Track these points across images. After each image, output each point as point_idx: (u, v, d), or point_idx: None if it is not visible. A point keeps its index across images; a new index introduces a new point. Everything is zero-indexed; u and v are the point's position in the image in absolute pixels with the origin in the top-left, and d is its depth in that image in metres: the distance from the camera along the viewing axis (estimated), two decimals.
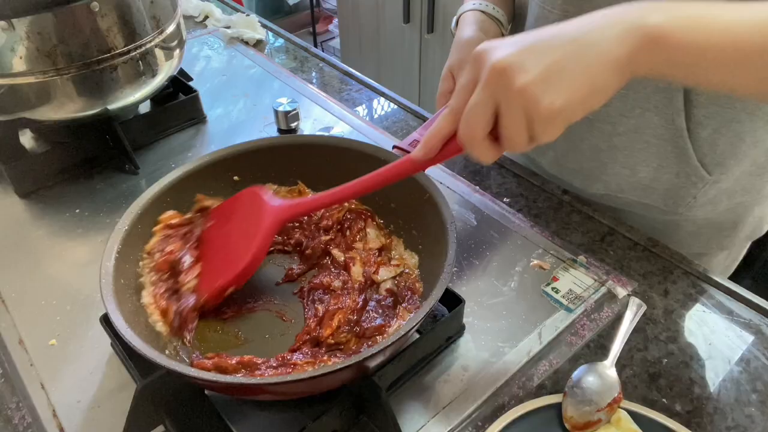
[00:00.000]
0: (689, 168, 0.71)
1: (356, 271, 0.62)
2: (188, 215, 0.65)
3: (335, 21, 3.11)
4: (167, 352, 0.54)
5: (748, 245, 0.87)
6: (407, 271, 0.63)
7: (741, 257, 0.88)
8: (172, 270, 0.60)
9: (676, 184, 0.73)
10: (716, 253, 0.82)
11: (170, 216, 0.63)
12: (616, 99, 0.70)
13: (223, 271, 0.59)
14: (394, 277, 0.62)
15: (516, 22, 0.82)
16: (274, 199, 0.61)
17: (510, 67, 0.42)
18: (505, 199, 0.78)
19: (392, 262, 0.64)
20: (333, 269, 0.64)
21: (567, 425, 0.52)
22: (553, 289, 0.65)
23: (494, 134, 0.45)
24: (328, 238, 0.66)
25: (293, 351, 0.56)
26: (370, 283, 0.61)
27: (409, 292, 0.60)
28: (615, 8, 0.44)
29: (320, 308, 0.59)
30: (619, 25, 0.43)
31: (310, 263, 0.65)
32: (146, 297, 0.58)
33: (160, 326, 0.56)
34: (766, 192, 0.76)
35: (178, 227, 0.64)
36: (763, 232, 0.84)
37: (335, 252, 0.65)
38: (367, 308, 0.59)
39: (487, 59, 0.43)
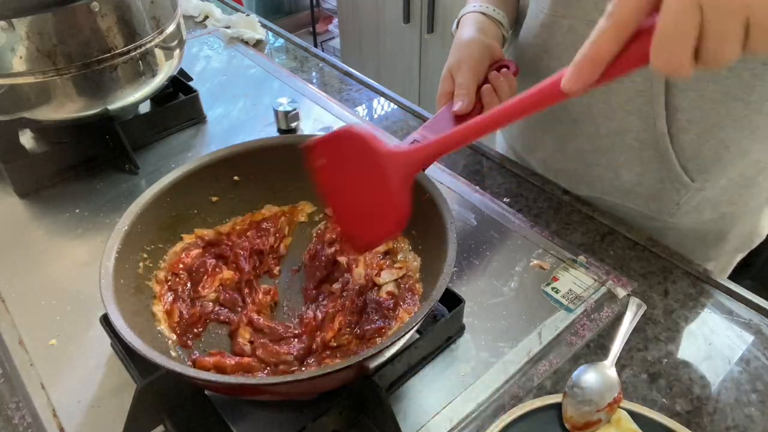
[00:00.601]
0: (672, 174, 0.71)
1: (358, 272, 0.62)
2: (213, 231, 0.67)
3: (335, 21, 3.11)
4: (172, 354, 0.54)
5: (738, 258, 0.87)
6: (409, 273, 0.63)
7: (730, 269, 0.88)
8: (191, 276, 0.62)
9: (659, 189, 0.74)
10: (703, 264, 0.82)
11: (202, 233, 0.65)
12: (599, 100, 0.71)
13: (360, 229, 0.55)
14: (396, 280, 0.62)
15: (518, 24, 0.82)
16: (385, 145, 0.51)
17: None
18: (505, 199, 0.79)
19: (396, 265, 0.64)
20: (336, 274, 0.64)
21: (567, 425, 0.52)
22: (553, 289, 0.65)
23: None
24: (333, 250, 0.66)
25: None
26: (371, 285, 0.61)
27: (409, 293, 0.60)
28: None
29: (318, 314, 0.59)
30: None
31: (321, 278, 0.65)
32: (158, 306, 0.58)
33: (163, 328, 0.57)
34: (753, 205, 0.75)
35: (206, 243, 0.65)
36: (753, 246, 0.84)
37: (341, 258, 0.65)
38: (367, 310, 0.59)
39: None
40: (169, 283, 0.60)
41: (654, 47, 0.35)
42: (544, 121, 0.80)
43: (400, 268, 0.63)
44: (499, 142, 0.98)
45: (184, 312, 0.58)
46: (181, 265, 0.62)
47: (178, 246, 0.64)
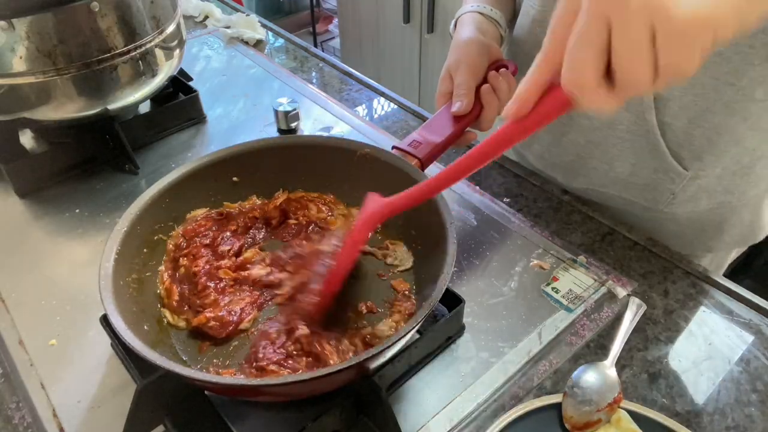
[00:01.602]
0: (665, 164, 0.71)
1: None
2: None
3: (335, 21, 3.11)
4: (180, 357, 0.54)
5: (736, 251, 0.87)
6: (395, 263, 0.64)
7: (727, 262, 0.88)
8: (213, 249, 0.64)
9: (654, 179, 0.74)
10: (701, 255, 0.83)
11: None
12: None
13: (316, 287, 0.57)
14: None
15: (513, 22, 0.83)
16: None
17: None
18: (505, 199, 0.78)
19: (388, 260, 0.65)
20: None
21: (567, 425, 0.52)
22: (553, 289, 0.65)
23: (608, 76, 0.36)
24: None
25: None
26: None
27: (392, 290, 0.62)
28: None
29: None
30: None
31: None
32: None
33: (166, 315, 0.58)
34: (751, 194, 0.75)
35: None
36: (756, 241, 0.84)
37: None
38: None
39: None
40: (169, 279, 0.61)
41: (564, 63, 0.36)
42: None
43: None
44: None
45: (186, 293, 0.59)
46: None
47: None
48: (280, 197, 0.69)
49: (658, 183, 0.74)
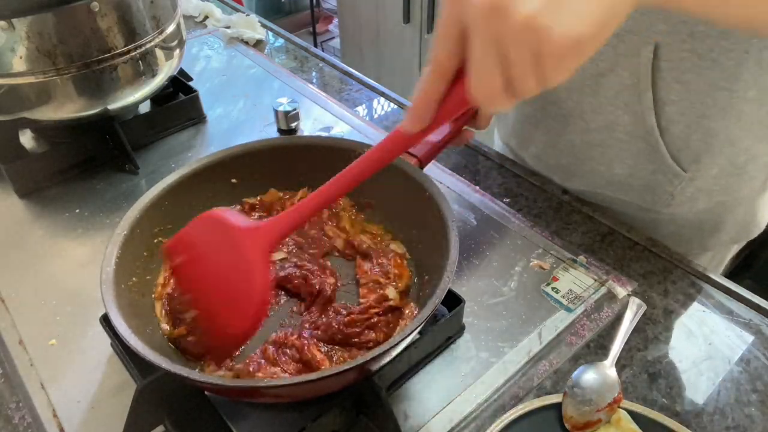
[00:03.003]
0: (663, 165, 0.71)
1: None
2: None
3: (335, 21, 3.11)
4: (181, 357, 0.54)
5: (734, 249, 0.87)
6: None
7: (726, 260, 0.88)
8: None
9: (652, 180, 0.74)
10: (700, 255, 0.83)
11: None
12: (588, 95, 0.71)
13: (226, 319, 0.50)
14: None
15: None
16: (243, 220, 0.50)
17: None
18: (505, 199, 0.79)
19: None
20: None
21: (567, 425, 0.52)
22: (553, 289, 0.65)
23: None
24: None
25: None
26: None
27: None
28: None
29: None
30: None
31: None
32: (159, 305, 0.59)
33: (165, 327, 0.57)
34: (745, 193, 0.76)
35: None
36: (750, 237, 0.84)
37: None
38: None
39: None
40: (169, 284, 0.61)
41: (469, 83, 0.38)
42: (536, 116, 0.81)
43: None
44: (495, 139, 0.98)
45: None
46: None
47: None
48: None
49: (656, 184, 0.74)
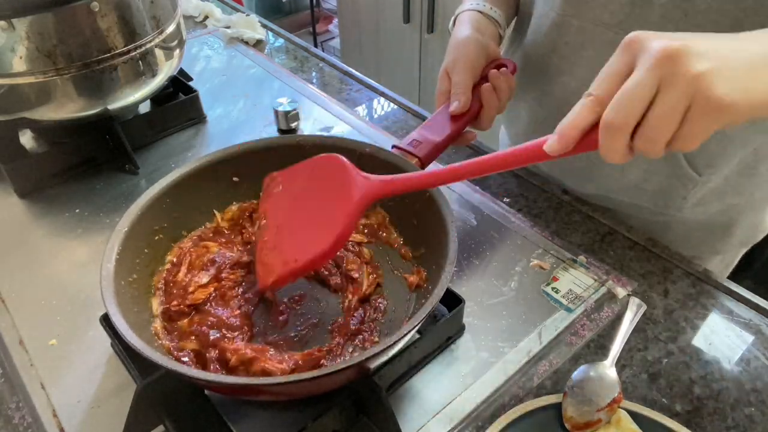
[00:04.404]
0: (679, 170, 0.71)
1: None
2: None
3: (335, 21, 3.11)
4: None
5: (742, 252, 0.87)
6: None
7: (735, 263, 0.88)
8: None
9: (666, 185, 0.74)
10: (709, 258, 0.83)
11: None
12: None
13: (296, 250, 0.53)
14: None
15: (520, 21, 0.82)
16: (361, 173, 0.53)
17: (688, 52, 0.38)
18: (505, 199, 0.79)
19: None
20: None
21: (567, 425, 0.52)
22: (553, 289, 0.65)
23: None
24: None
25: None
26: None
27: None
28: None
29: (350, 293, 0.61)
30: None
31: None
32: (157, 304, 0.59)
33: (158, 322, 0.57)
34: (757, 195, 0.76)
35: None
36: (757, 240, 0.84)
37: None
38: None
39: (651, 43, 0.40)
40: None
41: (611, 106, 0.40)
42: (551, 119, 0.80)
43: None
44: (502, 142, 0.98)
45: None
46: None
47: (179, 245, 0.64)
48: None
49: (670, 188, 0.74)
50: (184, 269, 0.61)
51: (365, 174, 0.53)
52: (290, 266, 0.52)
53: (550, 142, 0.44)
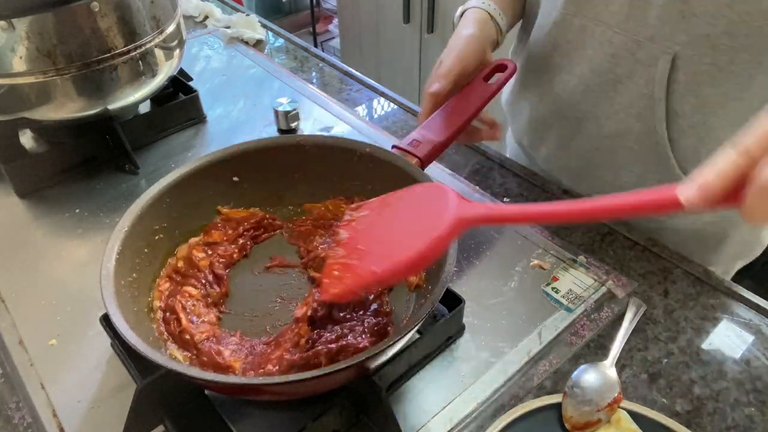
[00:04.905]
0: (672, 176, 0.71)
1: None
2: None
3: (335, 21, 3.11)
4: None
5: (738, 265, 0.87)
6: None
7: (731, 276, 0.87)
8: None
9: None
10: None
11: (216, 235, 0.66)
12: (603, 99, 0.71)
13: (374, 262, 0.48)
14: None
15: (527, 20, 0.82)
16: (464, 198, 0.49)
17: None
18: (505, 199, 0.79)
19: None
20: None
21: (567, 425, 0.52)
22: (553, 289, 0.65)
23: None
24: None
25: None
26: None
27: None
28: None
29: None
30: None
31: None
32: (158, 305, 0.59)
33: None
34: None
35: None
36: (755, 256, 0.83)
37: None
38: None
39: None
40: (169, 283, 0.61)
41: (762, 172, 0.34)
42: (550, 117, 0.81)
43: None
44: (508, 136, 0.98)
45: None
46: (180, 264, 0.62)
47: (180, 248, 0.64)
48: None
49: None
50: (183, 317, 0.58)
51: (468, 200, 0.49)
52: (365, 277, 0.47)
53: (688, 192, 0.37)
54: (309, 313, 0.57)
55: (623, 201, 0.40)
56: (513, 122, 0.93)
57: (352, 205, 0.56)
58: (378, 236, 0.50)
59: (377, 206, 0.53)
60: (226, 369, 0.53)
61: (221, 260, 0.64)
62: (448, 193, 0.49)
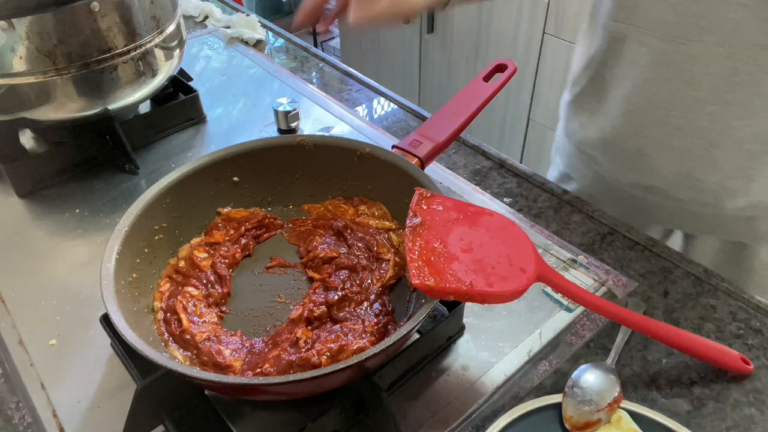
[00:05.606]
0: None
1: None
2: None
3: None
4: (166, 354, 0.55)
5: None
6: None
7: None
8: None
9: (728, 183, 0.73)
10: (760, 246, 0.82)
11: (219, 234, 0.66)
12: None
13: (469, 276, 0.51)
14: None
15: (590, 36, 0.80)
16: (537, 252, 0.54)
17: None
18: (505, 199, 0.79)
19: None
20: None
21: (567, 425, 0.52)
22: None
23: None
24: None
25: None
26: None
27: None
28: None
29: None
30: None
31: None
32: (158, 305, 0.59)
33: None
34: None
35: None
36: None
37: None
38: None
39: None
40: (170, 283, 0.61)
41: None
42: (601, 129, 0.80)
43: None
44: (559, 130, 0.94)
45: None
46: (181, 264, 0.62)
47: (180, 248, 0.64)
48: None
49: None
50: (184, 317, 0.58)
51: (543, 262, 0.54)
52: (462, 288, 0.50)
53: None
54: (305, 314, 0.57)
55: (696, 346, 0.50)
56: (570, 135, 0.89)
57: (422, 190, 0.57)
58: (461, 245, 0.53)
59: (453, 208, 0.56)
60: (226, 369, 0.53)
61: (224, 260, 0.64)
62: (529, 242, 0.54)
